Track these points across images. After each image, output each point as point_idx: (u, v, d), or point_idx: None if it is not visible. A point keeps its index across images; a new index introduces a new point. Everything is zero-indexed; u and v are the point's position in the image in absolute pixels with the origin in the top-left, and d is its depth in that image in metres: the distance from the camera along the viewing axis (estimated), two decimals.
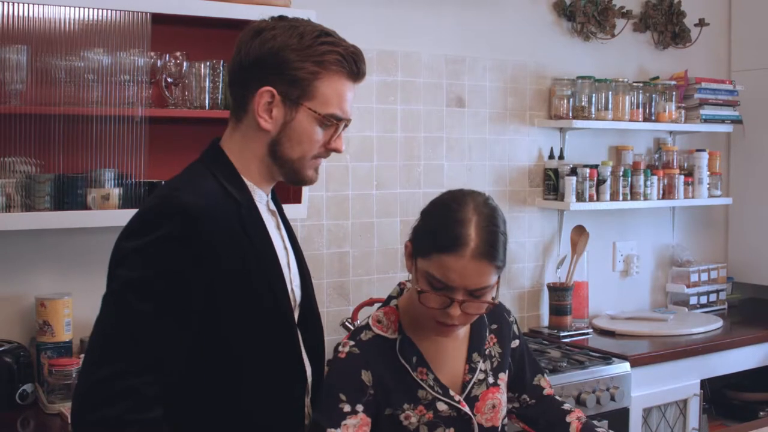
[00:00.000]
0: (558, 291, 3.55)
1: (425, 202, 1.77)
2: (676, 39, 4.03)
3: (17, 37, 2.31)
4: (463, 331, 1.84)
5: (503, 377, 1.87)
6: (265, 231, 1.71)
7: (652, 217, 4.04)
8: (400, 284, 1.89)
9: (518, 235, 3.59)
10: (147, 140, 2.49)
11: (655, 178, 3.75)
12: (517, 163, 3.60)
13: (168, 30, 2.58)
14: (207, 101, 2.64)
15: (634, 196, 3.71)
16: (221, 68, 2.65)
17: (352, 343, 1.77)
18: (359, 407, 1.70)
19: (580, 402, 2.97)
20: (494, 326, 1.90)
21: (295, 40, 1.64)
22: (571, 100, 3.58)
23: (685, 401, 3.40)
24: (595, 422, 1.94)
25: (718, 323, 3.70)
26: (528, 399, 1.94)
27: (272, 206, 1.79)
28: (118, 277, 1.57)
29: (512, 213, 3.56)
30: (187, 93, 2.63)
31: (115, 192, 2.48)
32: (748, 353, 3.60)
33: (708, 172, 3.96)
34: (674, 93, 3.82)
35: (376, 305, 1.91)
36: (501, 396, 1.84)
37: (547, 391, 1.96)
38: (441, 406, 1.75)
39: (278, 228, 1.79)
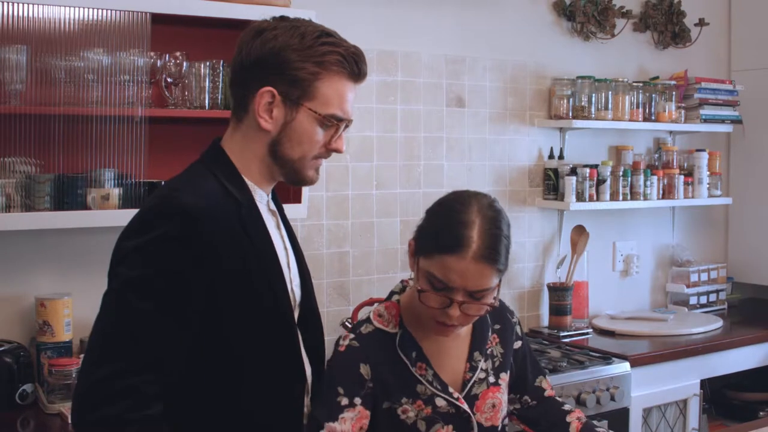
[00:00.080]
0: (558, 291, 3.55)
1: (425, 202, 1.78)
2: (676, 39, 4.03)
3: (17, 37, 2.31)
4: (466, 330, 1.84)
5: (504, 377, 1.87)
6: (265, 231, 1.71)
7: (652, 217, 4.04)
8: (402, 281, 1.89)
9: (518, 235, 3.58)
10: (147, 140, 2.49)
11: (655, 178, 3.75)
12: (517, 163, 3.60)
13: (168, 30, 2.58)
14: (207, 101, 2.64)
15: (634, 196, 3.71)
16: (221, 68, 2.65)
17: (352, 336, 1.78)
18: (357, 400, 1.70)
19: (580, 402, 2.97)
20: (497, 326, 1.90)
21: (296, 41, 1.64)
22: (570, 100, 3.58)
23: (685, 401, 3.40)
24: (595, 422, 1.95)
25: (718, 323, 3.70)
26: (529, 400, 1.94)
27: (272, 206, 1.79)
28: (118, 276, 1.57)
29: (512, 213, 3.55)
30: (187, 93, 2.63)
31: (115, 192, 2.48)
32: (748, 353, 3.60)
33: (708, 172, 3.96)
34: (674, 93, 3.82)
35: (376, 305, 1.91)
36: (501, 396, 1.84)
37: (548, 393, 1.97)
38: (439, 402, 1.76)
39: (278, 228, 1.79)
